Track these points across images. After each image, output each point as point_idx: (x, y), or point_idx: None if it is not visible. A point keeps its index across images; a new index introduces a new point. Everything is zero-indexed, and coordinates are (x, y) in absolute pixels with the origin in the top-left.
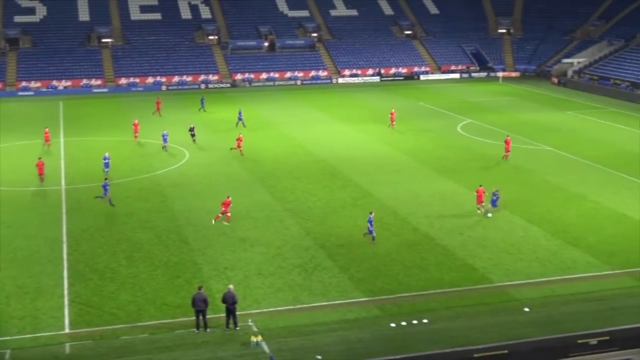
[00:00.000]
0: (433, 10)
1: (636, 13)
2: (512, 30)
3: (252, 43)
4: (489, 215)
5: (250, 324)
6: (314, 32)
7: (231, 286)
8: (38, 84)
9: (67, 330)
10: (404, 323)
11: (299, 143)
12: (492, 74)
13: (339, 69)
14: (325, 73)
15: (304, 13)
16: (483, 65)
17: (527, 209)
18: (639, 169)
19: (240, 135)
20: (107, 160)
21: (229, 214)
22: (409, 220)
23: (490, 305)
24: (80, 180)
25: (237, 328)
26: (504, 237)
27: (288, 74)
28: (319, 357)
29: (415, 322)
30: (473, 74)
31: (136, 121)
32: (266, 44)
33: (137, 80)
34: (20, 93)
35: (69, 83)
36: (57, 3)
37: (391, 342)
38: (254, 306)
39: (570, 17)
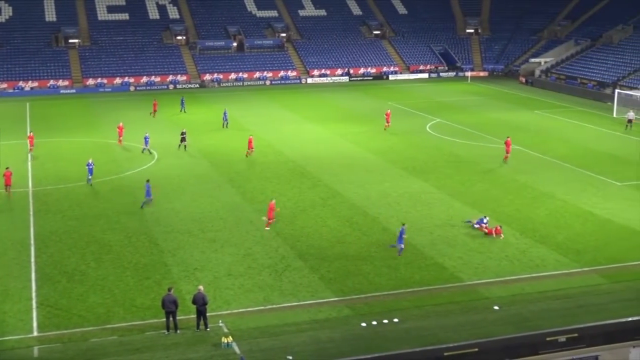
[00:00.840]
0: (401, 10)
1: (602, 13)
2: (480, 30)
3: (221, 43)
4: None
5: (220, 325)
6: (283, 32)
7: (201, 287)
8: (4, 85)
9: (35, 334)
10: (374, 322)
11: (268, 143)
12: (460, 74)
13: (308, 69)
14: (294, 73)
15: (273, 13)
16: (451, 65)
17: (496, 208)
18: (605, 167)
19: (251, 137)
20: (90, 167)
21: (271, 220)
22: (379, 220)
23: (460, 303)
24: (47, 182)
25: (208, 329)
26: (473, 235)
27: (257, 74)
28: (290, 357)
29: (385, 321)
30: (441, 74)
31: (121, 124)
32: (235, 44)
33: (105, 81)
34: None
35: (35, 84)
36: (23, 3)
37: (362, 341)
38: (224, 307)
39: (537, 17)
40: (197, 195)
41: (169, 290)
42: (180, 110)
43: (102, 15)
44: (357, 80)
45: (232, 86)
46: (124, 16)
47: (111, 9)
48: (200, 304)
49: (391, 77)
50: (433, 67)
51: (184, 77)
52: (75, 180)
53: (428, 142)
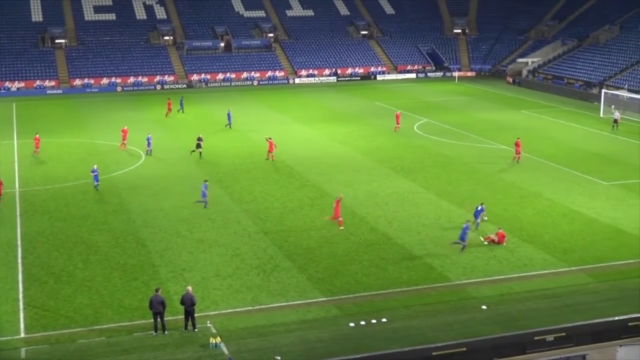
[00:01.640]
0: (389, 10)
1: (589, 13)
2: (467, 30)
3: (208, 43)
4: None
5: (208, 325)
6: (270, 32)
7: (189, 288)
8: None
9: (22, 335)
10: (363, 322)
11: (256, 144)
12: (448, 74)
13: (296, 70)
14: (281, 73)
15: (260, 13)
16: (439, 65)
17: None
18: (592, 166)
19: (271, 140)
20: (95, 173)
21: (340, 218)
22: (367, 219)
23: (448, 303)
24: (34, 183)
25: (196, 330)
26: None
27: (244, 75)
28: (278, 357)
29: (374, 321)
30: (429, 74)
31: (125, 127)
32: (222, 44)
33: (92, 81)
34: None
35: (22, 84)
36: (9, 3)
37: (350, 341)
38: (212, 307)
39: (524, 17)
40: (185, 195)
41: (157, 291)
42: (178, 110)
43: (89, 15)
44: (344, 80)
45: (220, 86)
46: (111, 16)
47: (98, 9)
48: (189, 304)
49: (379, 77)
50: (421, 67)
51: (172, 78)
52: (63, 181)
53: (415, 142)
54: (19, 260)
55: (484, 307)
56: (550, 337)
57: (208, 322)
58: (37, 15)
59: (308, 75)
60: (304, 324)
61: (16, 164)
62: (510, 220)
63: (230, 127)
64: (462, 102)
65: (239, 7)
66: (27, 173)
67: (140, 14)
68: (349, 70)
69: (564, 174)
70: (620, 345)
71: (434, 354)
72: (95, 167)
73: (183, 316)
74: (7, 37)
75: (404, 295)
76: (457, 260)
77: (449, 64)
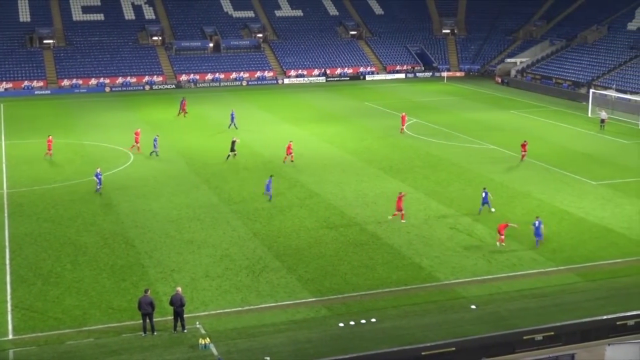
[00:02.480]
0: (378, 10)
1: (577, 13)
2: (456, 31)
3: (197, 44)
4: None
5: (198, 326)
6: (259, 32)
7: (179, 288)
8: None
9: (10, 337)
10: (352, 322)
11: (245, 144)
12: (437, 74)
13: (285, 70)
14: (271, 74)
15: (249, 13)
16: (428, 65)
17: (472, 208)
18: (580, 166)
19: (290, 143)
20: (99, 177)
21: (403, 212)
22: (356, 220)
23: (437, 303)
24: (22, 184)
25: (185, 331)
26: (450, 235)
27: (234, 75)
28: (268, 358)
29: (363, 321)
30: (418, 74)
31: (138, 130)
32: (211, 44)
33: (80, 81)
34: None
35: (9, 85)
36: None
37: (340, 341)
38: (201, 308)
39: (513, 18)
40: (173, 196)
41: (146, 292)
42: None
43: (77, 15)
44: (334, 80)
45: (209, 87)
46: (99, 16)
47: (86, 10)
48: (178, 305)
49: (368, 78)
50: (410, 67)
51: (160, 78)
52: (50, 182)
53: (404, 142)
54: (7, 262)
55: (472, 306)
56: (539, 337)
57: (197, 322)
58: (24, 16)
59: (297, 76)
60: (293, 325)
61: (4, 165)
62: (500, 219)
63: (236, 127)
64: (451, 102)
65: (227, 7)
66: (15, 174)
67: (129, 14)
68: (338, 71)
69: (552, 173)
70: (609, 344)
71: (423, 353)
72: (98, 170)
73: (172, 317)
74: None
75: (393, 295)
76: (446, 261)
77: (437, 64)
